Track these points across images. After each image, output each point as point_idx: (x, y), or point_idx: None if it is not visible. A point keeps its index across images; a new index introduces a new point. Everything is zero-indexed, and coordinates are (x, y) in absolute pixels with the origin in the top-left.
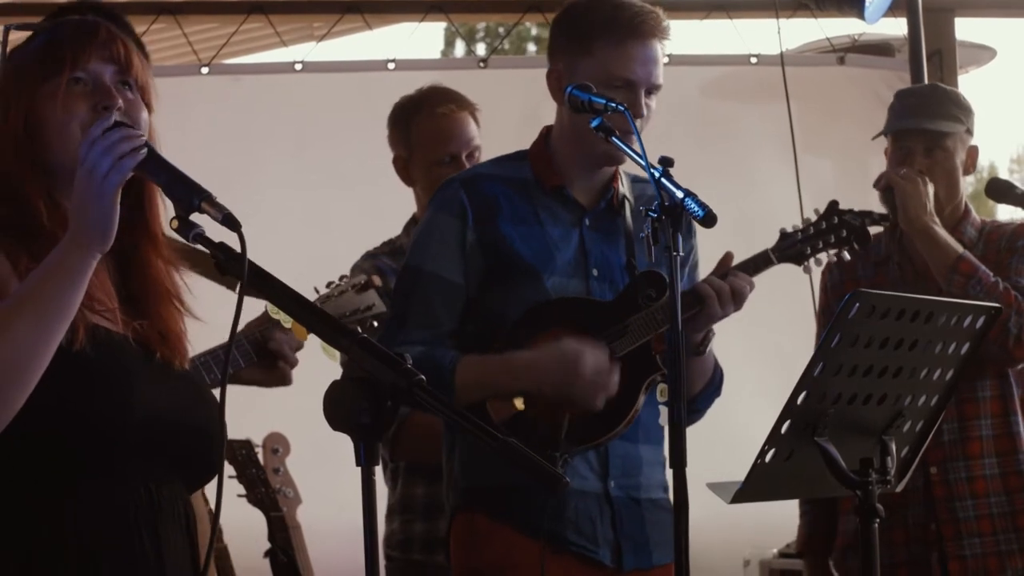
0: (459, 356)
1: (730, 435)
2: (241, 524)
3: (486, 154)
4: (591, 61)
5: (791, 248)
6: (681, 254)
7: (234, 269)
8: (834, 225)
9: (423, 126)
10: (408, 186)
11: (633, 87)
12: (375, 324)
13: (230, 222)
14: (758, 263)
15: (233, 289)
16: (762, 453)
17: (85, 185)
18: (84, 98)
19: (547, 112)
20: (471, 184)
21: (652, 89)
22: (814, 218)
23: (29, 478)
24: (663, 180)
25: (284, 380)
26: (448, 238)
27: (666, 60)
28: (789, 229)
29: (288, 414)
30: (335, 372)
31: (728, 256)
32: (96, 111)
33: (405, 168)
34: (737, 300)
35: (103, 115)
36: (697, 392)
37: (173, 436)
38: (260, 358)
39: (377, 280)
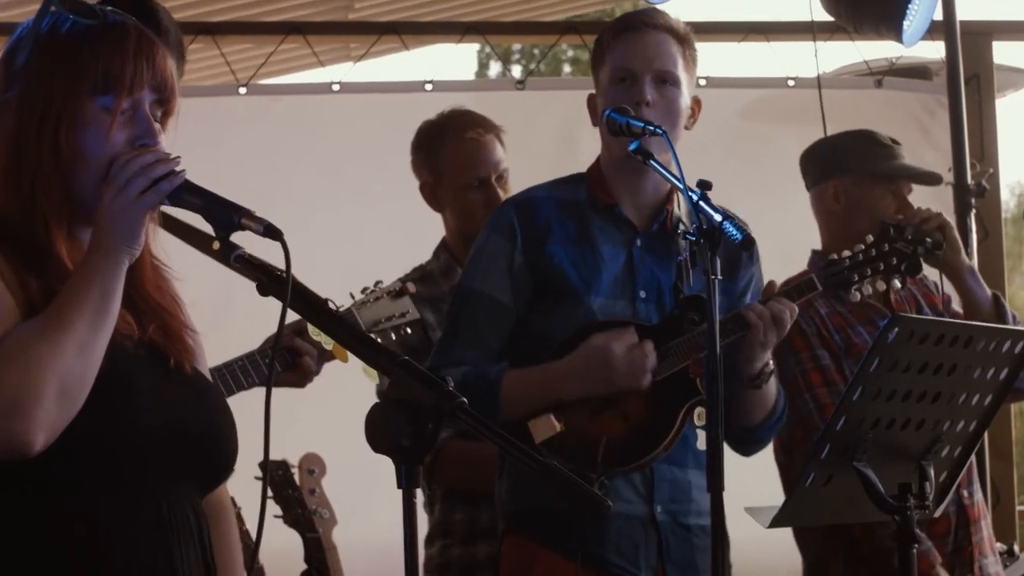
0: (506, 368)
1: (768, 459)
2: (277, 545)
3: (522, 174)
4: (604, 69)
5: (837, 275)
6: (720, 277)
7: (277, 291)
8: (884, 252)
9: (450, 151)
10: (436, 211)
11: (636, 77)
12: (408, 331)
13: (272, 232)
14: (802, 289)
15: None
16: (801, 477)
17: (116, 201)
18: (122, 128)
19: (583, 133)
20: (523, 206)
21: (663, 77)
22: (864, 244)
23: (38, 490)
24: (701, 203)
25: (307, 377)
26: (498, 259)
27: (703, 82)
28: (836, 256)
29: (323, 434)
30: (370, 392)
31: (771, 284)
32: (134, 146)
33: (433, 193)
34: (778, 326)
35: (140, 152)
36: (757, 422)
37: (181, 442)
38: (290, 364)
39: (411, 287)
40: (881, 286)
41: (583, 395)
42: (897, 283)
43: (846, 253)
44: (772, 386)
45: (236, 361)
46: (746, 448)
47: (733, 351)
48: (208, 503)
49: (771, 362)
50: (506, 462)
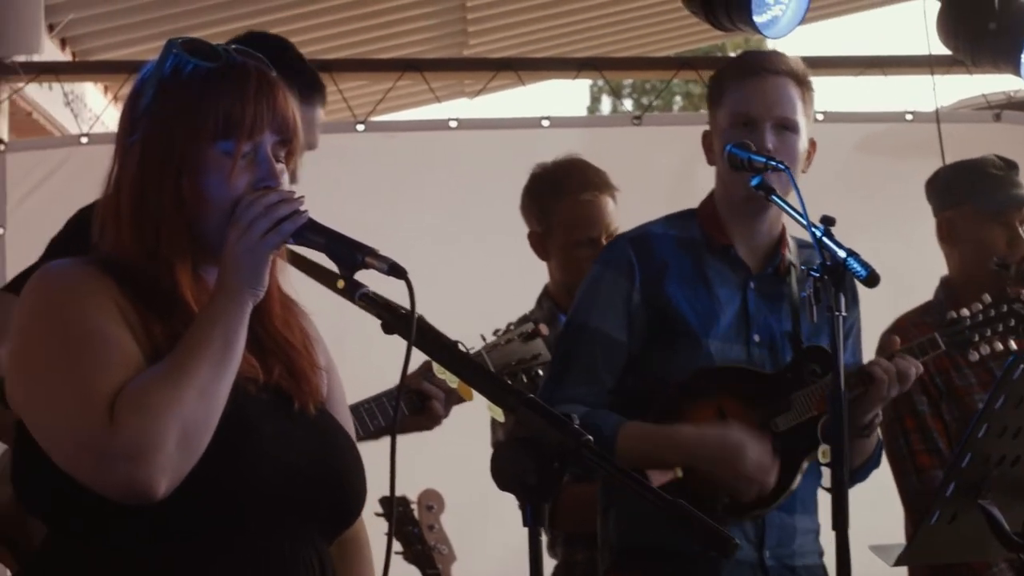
0: (621, 421)
1: (892, 496)
2: None
3: (637, 209)
4: (723, 111)
5: (959, 334)
6: (844, 314)
7: (401, 329)
8: (1003, 313)
9: (565, 210)
10: (542, 260)
11: (755, 123)
12: (540, 373)
13: (396, 271)
14: (924, 347)
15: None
16: (927, 516)
17: (240, 242)
18: (244, 172)
19: (699, 169)
20: (641, 243)
21: (784, 124)
22: (983, 304)
23: (160, 531)
24: (825, 239)
25: (435, 420)
26: (614, 295)
27: (820, 117)
28: (955, 314)
29: (440, 470)
30: (485, 430)
31: (892, 340)
32: (256, 189)
33: (541, 243)
34: (903, 382)
35: (263, 192)
36: (855, 467)
37: (302, 486)
38: (418, 408)
39: (544, 329)
40: (999, 347)
41: (698, 469)
42: (1013, 344)
43: (965, 312)
44: (876, 434)
45: (363, 404)
46: None
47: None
48: (343, 540)
49: (880, 415)
50: (613, 499)
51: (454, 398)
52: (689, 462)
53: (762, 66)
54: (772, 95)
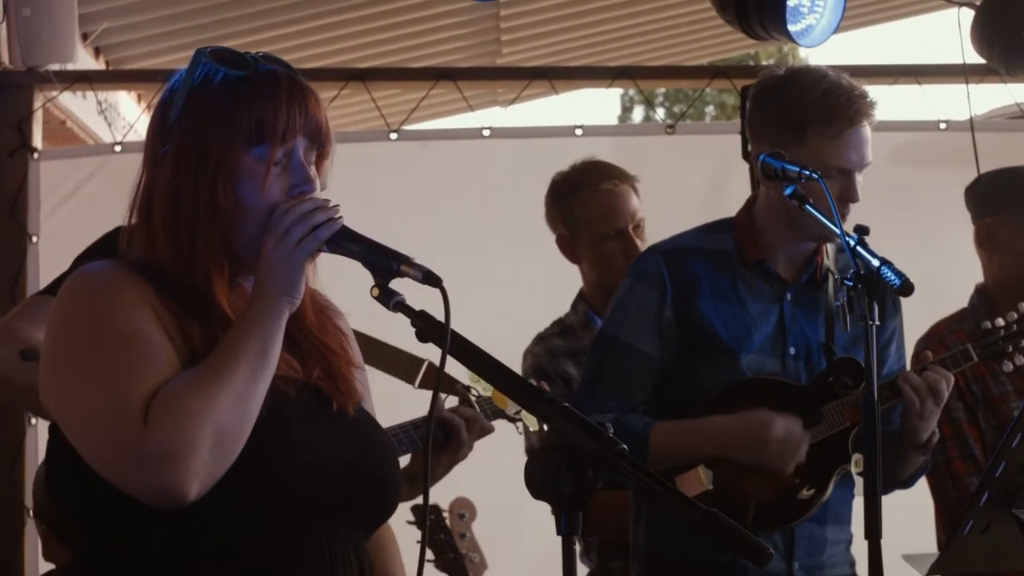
0: (652, 422)
1: (926, 504)
2: None
3: (671, 218)
4: (804, 151)
5: (993, 345)
6: (878, 323)
7: (435, 338)
8: None
9: (587, 204)
10: (573, 263)
11: (848, 174)
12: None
13: (431, 279)
14: (957, 359)
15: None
16: (960, 525)
17: (276, 249)
18: (278, 178)
19: (734, 177)
20: (673, 257)
21: (865, 167)
22: (1018, 313)
23: (194, 534)
24: (858, 248)
25: (461, 448)
26: (646, 310)
27: None
28: (990, 324)
29: (471, 478)
30: (517, 438)
31: (925, 355)
32: (291, 196)
33: (570, 246)
34: (935, 396)
35: (299, 200)
36: (906, 477)
37: (340, 487)
38: (446, 440)
39: (545, 387)
40: None
41: (730, 456)
42: None
43: (1000, 322)
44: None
45: (390, 430)
46: (885, 491)
47: (902, 418)
48: (371, 538)
49: (937, 432)
50: (644, 507)
51: (477, 428)
52: (719, 447)
53: (860, 112)
54: (864, 144)
